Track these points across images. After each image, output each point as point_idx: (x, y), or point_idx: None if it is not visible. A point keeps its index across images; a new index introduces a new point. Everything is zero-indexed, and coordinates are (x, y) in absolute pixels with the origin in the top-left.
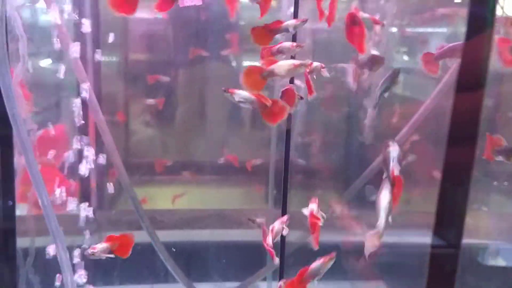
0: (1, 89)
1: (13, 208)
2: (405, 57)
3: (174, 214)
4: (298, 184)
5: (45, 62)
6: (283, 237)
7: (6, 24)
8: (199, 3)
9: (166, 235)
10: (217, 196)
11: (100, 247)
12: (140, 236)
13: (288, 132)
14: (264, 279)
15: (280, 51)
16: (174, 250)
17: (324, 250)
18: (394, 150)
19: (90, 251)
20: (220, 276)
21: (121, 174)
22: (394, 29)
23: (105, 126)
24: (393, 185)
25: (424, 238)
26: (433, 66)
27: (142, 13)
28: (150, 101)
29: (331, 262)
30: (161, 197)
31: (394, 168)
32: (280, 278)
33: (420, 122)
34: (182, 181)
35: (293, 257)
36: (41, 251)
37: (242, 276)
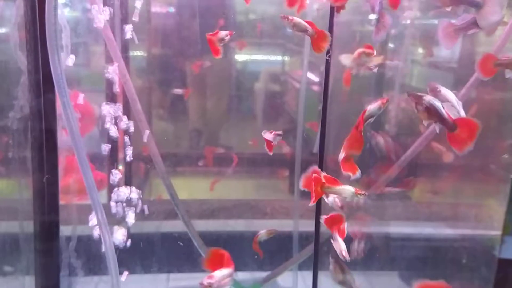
0: (53, 77)
1: (56, 194)
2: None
3: (201, 204)
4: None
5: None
6: (317, 226)
7: (56, 15)
8: None
9: (174, 225)
10: (243, 187)
11: (219, 275)
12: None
13: (323, 125)
14: (291, 270)
15: None
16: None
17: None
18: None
19: (206, 281)
20: (246, 266)
21: (157, 163)
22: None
23: (142, 116)
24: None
25: (443, 230)
26: (452, 38)
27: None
28: (178, 90)
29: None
30: (187, 188)
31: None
32: (315, 268)
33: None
34: (206, 173)
35: (326, 246)
36: (82, 237)
37: (268, 266)
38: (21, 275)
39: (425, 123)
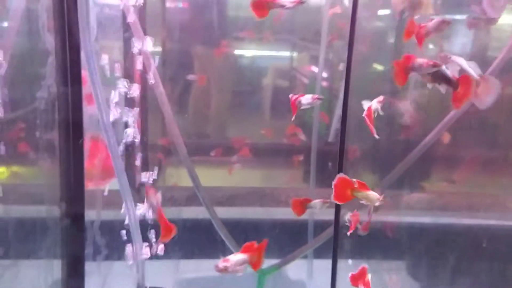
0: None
1: (82, 178)
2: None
3: (217, 191)
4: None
5: None
6: (337, 214)
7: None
8: None
9: (199, 212)
10: (257, 175)
11: (235, 260)
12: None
13: (344, 114)
14: (305, 257)
15: None
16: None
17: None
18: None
19: (222, 264)
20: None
21: (180, 149)
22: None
23: (165, 99)
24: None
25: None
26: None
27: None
28: (191, 76)
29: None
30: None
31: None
32: (334, 255)
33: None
34: (222, 162)
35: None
36: (107, 224)
37: (281, 253)
38: (48, 258)
39: (430, 86)
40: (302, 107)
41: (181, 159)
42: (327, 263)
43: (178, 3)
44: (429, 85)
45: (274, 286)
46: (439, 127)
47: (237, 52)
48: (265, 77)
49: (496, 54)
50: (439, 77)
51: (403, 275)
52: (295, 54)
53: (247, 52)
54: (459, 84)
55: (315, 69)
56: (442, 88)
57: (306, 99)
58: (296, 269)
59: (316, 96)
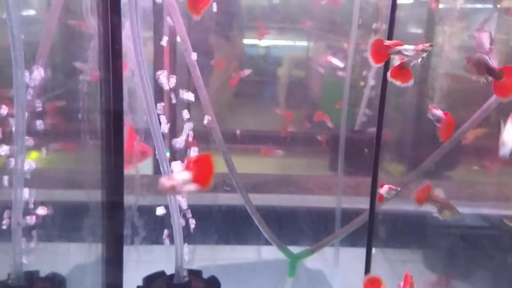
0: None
1: (122, 162)
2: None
3: (243, 178)
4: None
5: None
6: (373, 200)
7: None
8: None
9: (233, 198)
10: (284, 163)
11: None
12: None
13: (382, 102)
14: (332, 244)
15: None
16: None
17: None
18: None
19: (168, 182)
20: (286, 240)
21: (219, 140)
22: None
23: (201, 83)
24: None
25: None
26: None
27: None
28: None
29: None
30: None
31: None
32: (369, 244)
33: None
34: (248, 150)
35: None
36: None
37: (309, 241)
38: (89, 242)
39: (474, 78)
40: (406, 60)
41: (217, 144)
42: (352, 252)
43: None
44: (474, 77)
45: (300, 274)
46: (475, 117)
47: (253, 41)
48: (280, 67)
49: None
50: (484, 68)
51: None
52: (311, 44)
53: (263, 42)
54: (504, 74)
55: (331, 59)
56: (483, 79)
57: (407, 50)
58: (321, 257)
59: (422, 46)
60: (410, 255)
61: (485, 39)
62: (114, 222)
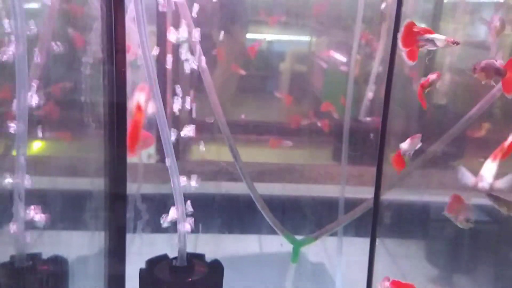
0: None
1: (125, 150)
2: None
3: (247, 167)
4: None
5: None
6: (377, 191)
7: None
8: None
9: (237, 187)
10: (287, 153)
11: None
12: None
13: (387, 94)
14: (335, 234)
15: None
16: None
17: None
18: None
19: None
20: (290, 229)
21: (224, 130)
22: None
23: (208, 75)
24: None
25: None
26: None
27: None
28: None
29: None
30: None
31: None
32: (373, 235)
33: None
34: (252, 140)
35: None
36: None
37: (312, 229)
38: (92, 230)
39: (484, 82)
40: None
41: (223, 134)
42: (356, 241)
43: None
44: (483, 82)
45: (303, 263)
46: (481, 103)
47: (256, 36)
48: (283, 62)
49: None
50: (492, 71)
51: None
52: (314, 39)
53: (266, 36)
54: (508, 70)
55: (334, 54)
56: (492, 82)
57: (438, 39)
58: (323, 247)
59: (454, 39)
60: (412, 248)
61: (496, 21)
62: (117, 212)
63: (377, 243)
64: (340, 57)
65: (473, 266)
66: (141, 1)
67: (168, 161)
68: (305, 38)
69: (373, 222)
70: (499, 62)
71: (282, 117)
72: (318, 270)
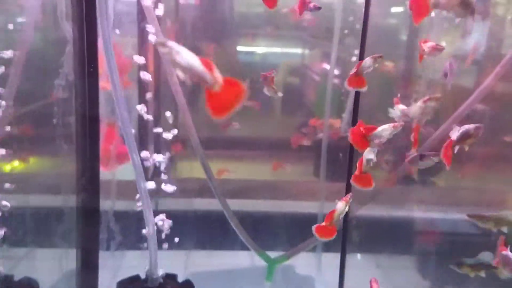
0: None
1: (97, 168)
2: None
3: (228, 184)
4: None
5: None
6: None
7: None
8: None
9: (218, 204)
10: (268, 169)
11: None
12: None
13: (355, 109)
14: (314, 250)
15: None
16: None
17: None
18: None
19: None
20: (269, 245)
21: (196, 145)
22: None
23: (179, 88)
24: None
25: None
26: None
27: None
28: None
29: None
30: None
31: None
32: (343, 250)
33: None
34: (234, 156)
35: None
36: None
37: (292, 246)
38: (64, 247)
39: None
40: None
41: (194, 150)
42: (336, 257)
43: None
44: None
45: (283, 279)
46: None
47: (249, 48)
48: (276, 74)
49: None
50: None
51: (412, 273)
52: (306, 51)
53: (258, 48)
54: None
55: (326, 66)
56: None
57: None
58: (305, 263)
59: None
60: (402, 261)
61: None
62: (89, 229)
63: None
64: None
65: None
66: (108, 31)
67: (138, 182)
68: (298, 50)
69: (343, 237)
70: None
71: (272, 131)
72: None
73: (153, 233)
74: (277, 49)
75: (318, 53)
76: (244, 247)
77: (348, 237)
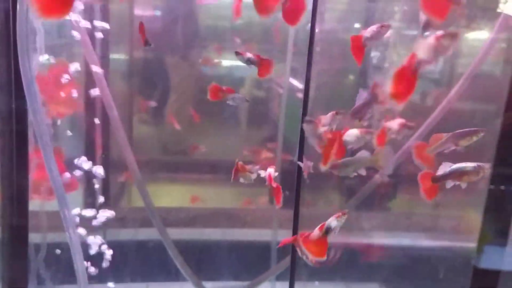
0: (23, 83)
1: (26, 202)
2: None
3: (180, 212)
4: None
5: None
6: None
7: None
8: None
9: (171, 233)
10: (220, 195)
11: None
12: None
13: (302, 133)
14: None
15: None
16: None
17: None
18: None
19: None
20: (225, 275)
21: (133, 170)
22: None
23: (118, 123)
24: None
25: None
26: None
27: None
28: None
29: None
30: (166, 195)
31: None
32: (292, 278)
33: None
34: (186, 180)
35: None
36: (52, 247)
37: (247, 275)
38: None
39: None
40: None
41: (134, 179)
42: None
43: (150, 11)
44: None
45: None
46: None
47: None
48: (242, 87)
49: None
50: None
51: None
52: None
53: (224, 62)
54: None
55: (292, 80)
56: None
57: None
58: None
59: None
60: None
61: None
62: (15, 263)
63: None
64: (297, 83)
65: None
66: (29, 67)
67: (61, 211)
68: None
69: (291, 265)
70: None
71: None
72: None
73: (81, 265)
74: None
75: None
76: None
77: (298, 264)
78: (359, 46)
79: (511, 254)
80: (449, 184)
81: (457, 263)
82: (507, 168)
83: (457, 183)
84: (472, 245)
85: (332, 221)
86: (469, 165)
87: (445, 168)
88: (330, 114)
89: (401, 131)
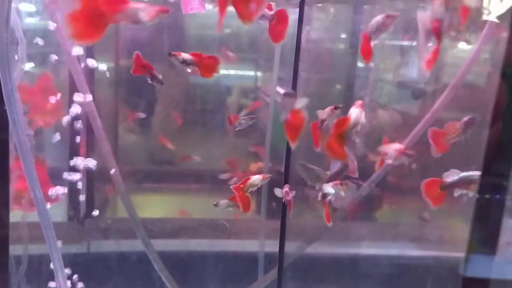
0: (3, 93)
1: (7, 214)
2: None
3: (165, 223)
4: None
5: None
6: (281, 249)
7: (8, 27)
8: (203, 11)
9: (156, 244)
10: (204, 205)
11: None
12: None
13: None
14: None
15: None
16: None
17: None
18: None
19: None
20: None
21: (117, 181)
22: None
23: (102, 133)
24: None
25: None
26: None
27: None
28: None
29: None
30: (150, 206)
31: None
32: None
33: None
34: (170, 190)
35: (291, 269)
36: (34, 259)
37: (233, 286)
38: None
39: None
40: None
41: (116, 189)
42: None
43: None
44: None
45: None
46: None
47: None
48: (229, 96)
49: None
50: None
51: None
52: (259, 73)
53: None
54: None
55: (279, 89)
56: None
57: None
58: None
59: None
60: None
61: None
62: None
63: None
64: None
65: None
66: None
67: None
68: (251, 73)
69: (278, 277)
70: None
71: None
72: None
73: (62, 280)
74: (231, 72)
75: (271, 76)
76: None
77: (284, 276)
78: (366, 42)
79: (500, 262)
80: (457, 192)
81: (444, 272)
82: (495, 177)
83: (465, 191)
84: (460, 254)
85: (328, 188)
86: (477, 173)
87: (453, 175)
88: (328, 108)
89: (398, 157)
